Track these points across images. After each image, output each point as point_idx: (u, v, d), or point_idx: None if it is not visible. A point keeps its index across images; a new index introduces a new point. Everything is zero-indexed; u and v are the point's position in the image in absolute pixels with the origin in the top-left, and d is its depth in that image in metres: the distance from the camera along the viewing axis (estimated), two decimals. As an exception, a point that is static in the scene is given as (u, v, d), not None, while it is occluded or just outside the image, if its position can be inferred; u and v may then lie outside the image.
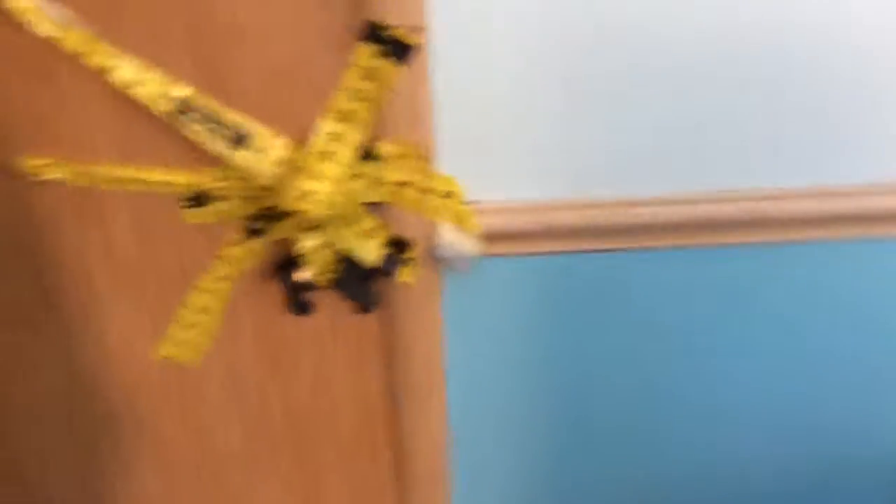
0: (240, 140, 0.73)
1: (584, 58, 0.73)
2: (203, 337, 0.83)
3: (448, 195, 0.78)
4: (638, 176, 0.79)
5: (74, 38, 0.69)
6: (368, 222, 0.78)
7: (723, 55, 0.73)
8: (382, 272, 0.79)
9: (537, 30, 0.72)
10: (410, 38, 0.71)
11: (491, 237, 0.79)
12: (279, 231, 0.77)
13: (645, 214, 0.79)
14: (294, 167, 0.73)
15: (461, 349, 0.87)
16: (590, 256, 0.81)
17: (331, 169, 0.73)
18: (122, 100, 0.72)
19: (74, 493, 0.94)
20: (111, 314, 0.83)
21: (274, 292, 0.83)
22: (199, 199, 0.77)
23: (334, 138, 0.74)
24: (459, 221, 0.79)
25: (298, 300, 0.82)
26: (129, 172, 0.76)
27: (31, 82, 0.73)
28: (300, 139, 0.74)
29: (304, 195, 0.72)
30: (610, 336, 0.85)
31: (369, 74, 0.73)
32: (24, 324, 0.83)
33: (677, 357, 0.87)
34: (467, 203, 0.79)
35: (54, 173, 0.75)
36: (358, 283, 0.80)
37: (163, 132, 0.74)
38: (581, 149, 0.77)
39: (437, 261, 0.80)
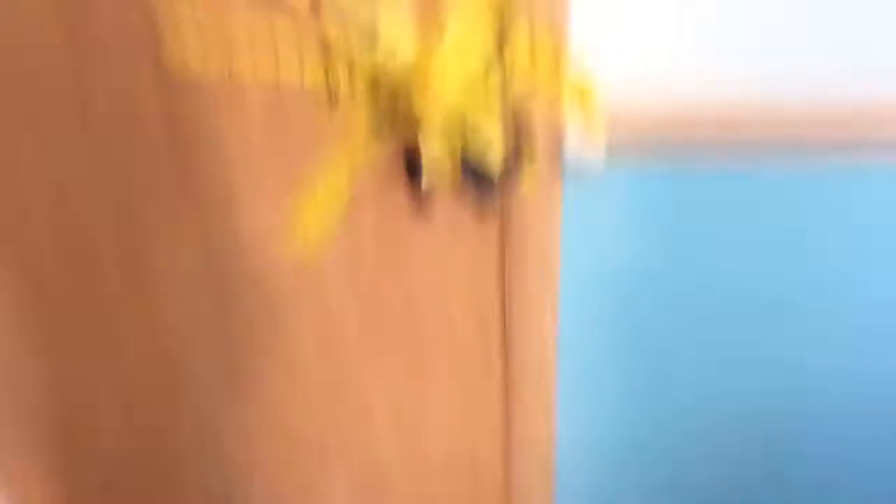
0: (373, 40, 0.74)
1: None
2: (326, 227, 0.86)
3: (582, 93, 0.76)
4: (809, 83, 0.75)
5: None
6: (493, 129, 0.78)
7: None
8: (503, 180, 0.79)
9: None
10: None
11: (617, 147, 0.78)
12: (404, 134, 0.78)
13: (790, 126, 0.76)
14: (423, 71, 0.73)
15: (578, 258, 0.87)
16: (722, 172, 0.79)
17: (458, 72, 0.72)
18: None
19: (210, 367, 1.01)
20: (246, 203, 0.87)
21: (398, 194, 0.84)
22: (330, 99, 0.79)
23: (466, 37, 0.73)
24: (588, 120, 0.77)
25: (420, 203, 0.83)
26: (268, 65, 0.78)
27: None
28: (436, 35, 0.74)
29: (431, 92, 0.71)
30: (733, 259, 0.83)
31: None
32: (168, 210, 0.88)
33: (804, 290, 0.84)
34: (598, 100, 0.76)
35: (202, 64, 0.78)
36: (477, 188, 0.81)
37: (303, 31, 0.75)
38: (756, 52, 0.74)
39: (561, 168, 0.79)
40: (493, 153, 0.78)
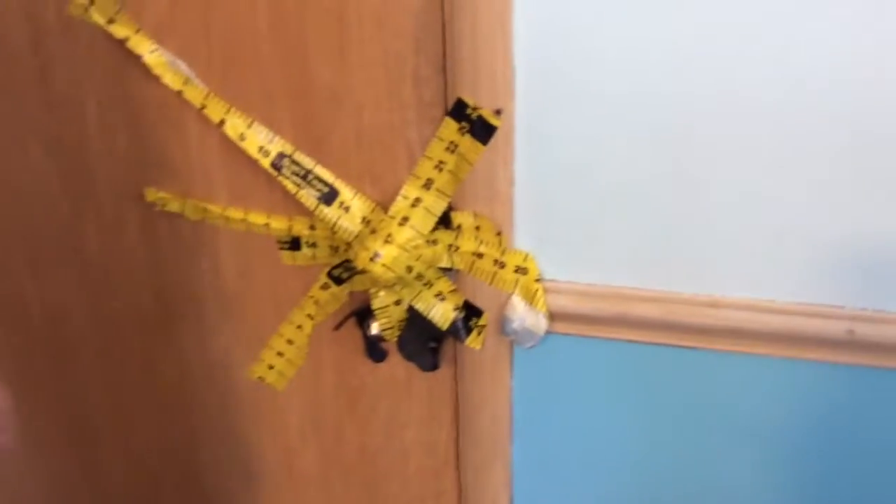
0: (329, 196, 0.79)
1: (683, 141, 0.71)
2: (288, 366, 0.90)
3: (521, 271, 0.79)
4: (724, 276, 0.75)
5: (193, 92, 0.77)
6: (443, 285, 0.81)
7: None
8: (452, 334, 0.82)
9: (628, 115, 0.71)
10: (494, 120, 0.73)
11: (562, 317, 0.79)
12: (359, 283, 0.82)
13: (726, 318, 0.75)
14: (371, 228, 0.77)
15: (527, 419, 0.87)
16: (663, 349, 0.78)
17: (404, 234, 0.76)
18: (234, 149, 0.79)
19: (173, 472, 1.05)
20: (216, 332, 0.92)
21: (355, 339, 0.87)
22: (293, 243, 0.84)
23: (414, 204, 0.77)
24: (531, 298, 0.79)
25: (373, 348, 0.86)
26: (236, 213, 0.83)
27: (163, 127, 0.82)
28: (384, 202, 0.78)
29: (375, 257, 0.75)
30: (673, 430, 0.82)
31: (453, 148, 0.75)
32: (150, 329, 0.94)
33: (749, 465, 0.81)
34: (540, 280, 0.79)
35: (173, 206, 0.85)
36: (419, 345, 0.83)
37: (266, 181, 0.80)
38: (666, 239, 0.75)
39: (507, 332, 0.81)
40: (442, 306, 0.81)
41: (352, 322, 0.87)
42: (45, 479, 1.07)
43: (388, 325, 0.83)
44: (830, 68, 0.65)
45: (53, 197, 0.89)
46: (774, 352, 0.76)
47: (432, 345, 0.84)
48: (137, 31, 0.78)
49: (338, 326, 0.87)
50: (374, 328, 0.84)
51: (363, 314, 0.85)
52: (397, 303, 0.82)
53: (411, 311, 0.81)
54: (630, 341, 0.79)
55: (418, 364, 0.85)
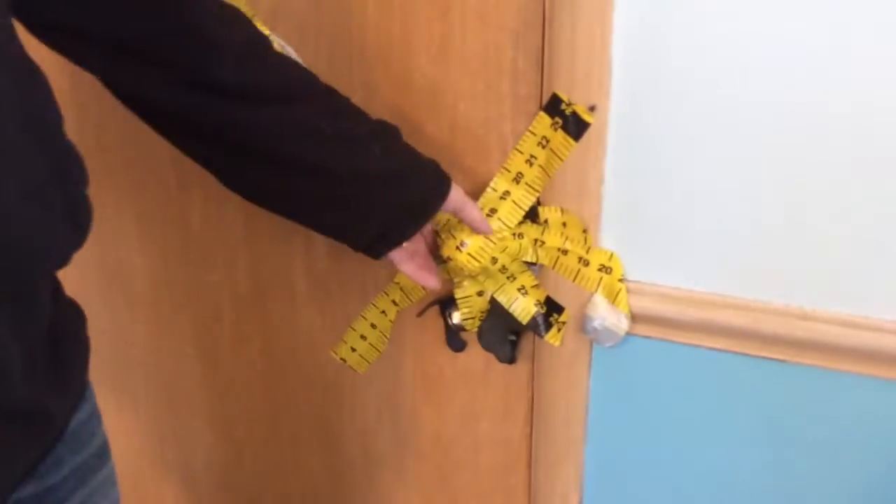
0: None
1: (783, 149, 0.69)
2: (370, 350, 0.92)
3: (605, 269, 0.79)
4: (817, 288, 0.73)
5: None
6: (526, 279, 0.81)
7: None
8: (531, 329, 0.82)
9: (725, 118, 0.70)
10: (588, 116, 0.73)
11: (643, 319, 0.79)
12: (444, 272, 0.84)
13: (817, 331, 0.73)
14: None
15: (602, 420, 0.86)
16: (746, 359, 0.77)
17: (491, 225, 0.77)
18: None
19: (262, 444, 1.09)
20: (304, 311, 0.95)
21: (437, 327, 0.89)
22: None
23: (503, 196, 0.78)
24: (613, 297, 0.79)
25: (453, 337, 0.88)
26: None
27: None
28: (473, 193, 0.80)
29: (461, 246, 0.77)
30: (751, 443, 0.80)
31: (545, 143, 0.76)
32: (242, 303, 0.98)
33: (827, 484, 0.79)
34: (623, 280, 0.79)
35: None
36: (499, 336, 0.84)
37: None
38: (756, 247, 0.74)
39: (588, 330, 0.81)
40: (524, 301, 0.82)
41: (434, 311, 0.88)
42: (135, 442, 1.13)
43: (470, 316, 0.84)
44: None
45: (163, 164, 0.93)
46: (864, 370, 0.73)
47: (512, 338, 0.85)
48: (253, 16, 0.82)
49: (421, 313, 0.89)
50: (456, 317, 0.85)
51: (446, 303, 0.86)
52: (480, 293, 0.83)
53: (493, 302, 0.83)
54: (713, 349, 0.78)
55: (497, 355, 0.86)
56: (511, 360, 0.86)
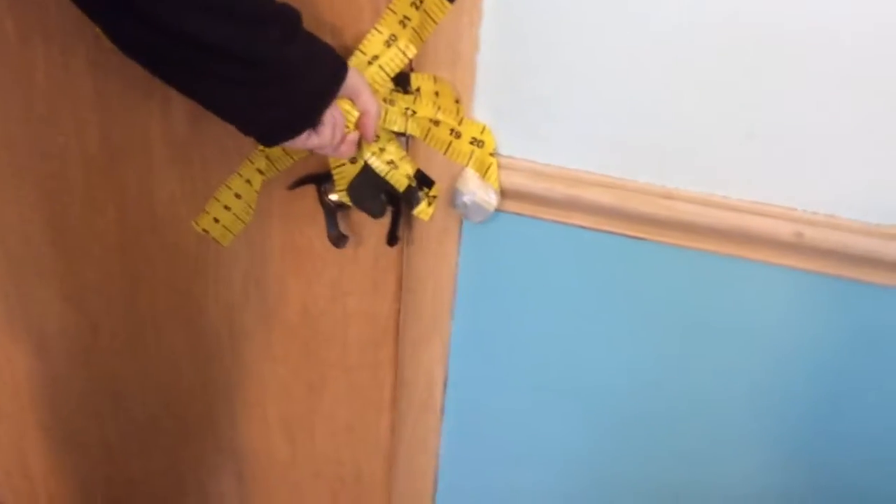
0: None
1: (656, 24, 0.68)
2: (235, 222, 0.87)
3: (477, 143, 0.77)
4: (682, 169, 0.74)
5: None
6: (395, 151, 0.78)
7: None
8: (406, 199, 0.80)
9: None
10: (463, -25, 0.69)
11: (513, 195, 0.78)
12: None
13: (678, 210, 0.74)
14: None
15: (470, 296, 0.86)
16: (612, 237, 0.77)
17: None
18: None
19: (118, 326, 1.04)
20: (163, 179, 0.90)
21: (305, 198, 0.85)
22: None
23: (371, 61, 0.74)
24: (484, 172, 0.77)
25: (332, 225, 0.84)
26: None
27: None
28: (344, 55, 0.75)
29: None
30: (612, 319, 0.82)
31: (418, 4, 0.71)
32: (95, 168, 0.91)
33: (678, 359, 0.82)
34: (495, 155, 0.77)
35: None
36: (370, 191, 0.80)
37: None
38: (628, 126, 0.73)
39: (457, 205, 0.79)
40: (394, 173, 0.79)
41: (299, 187, 0.84)
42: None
43: (343, 187, 0.81)
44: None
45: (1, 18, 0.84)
46: (723, 249, 0.75)
47: (382, 197, 0.81)
48: None
49: (292, 187, 0.84)
50: (333, 195, 0.81)
51: (320, 179, 0.83)
52: (353, 161, 0.79)
53: (366, 165, 0.79)
54: (580, 227, 0.78)
55: (368, 210, 0.81)
56: (381, 214, 0.82)
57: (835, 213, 0.71)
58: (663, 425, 0.86)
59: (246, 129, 0.70)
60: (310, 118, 0.68)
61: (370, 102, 0.72)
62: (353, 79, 0.70)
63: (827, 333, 0.76)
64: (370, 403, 1.00)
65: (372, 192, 0.80)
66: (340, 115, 0.71)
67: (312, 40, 0.69)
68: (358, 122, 0.72)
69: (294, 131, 0.69)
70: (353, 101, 0.71)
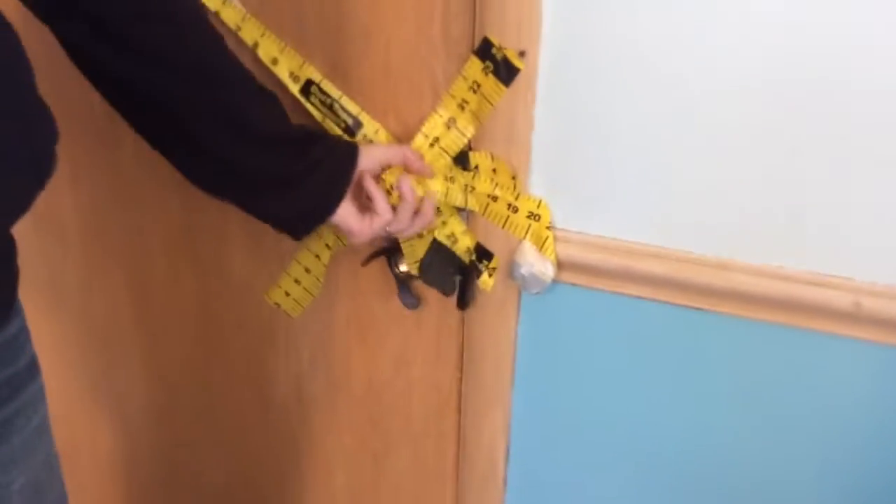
0: (353, 127, 0.80)
1: (708, 98, 0.70)
2: (305, 295, 0.92)
3: (534, 216, 0.80)
4: (737, 240, 0.75)
5: (229, 13, 0.79)
6: (456, 225, 0.82)
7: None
8: (471, 270, 0.83)
9: (655, 67, 0.70)
10: (518, 61, 0.73)
11: (569, 266, 0.80)
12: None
13: (740, 282, 0.75)
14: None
15: (530, 366, 0.88)
16: (667, 307, 0.78)
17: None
18: (266, 74, 0.81)
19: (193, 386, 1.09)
20: (239, 251, 0.95)
21: (371, 271, 0.89)
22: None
23: (433, 144, 0.78)
24: (541, 244, 0.80)
25: (405, 293, 0.88)
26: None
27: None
28: (406, 137, 0.80)
29: (392, 189, 0.77)
30: (672, 388, 0.82)
31: (476, 88, 0.76)
32: (174, 242, 0.98)
33: (743, 429, 0.81)
34: (551, 228, 0.80)
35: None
36: (442, 269, 0.83)
37: (292, 108, 0.82)
38: (681, 198, 0.75)
39: (515, 276, 0.81)
40: (455, 247, 0.82)
41: (365, 260, 0.89)
42: (66, 382, 1.13)
43: (413, 259, 0.84)
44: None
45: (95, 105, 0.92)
46: (777, 318, 0.75)
47: (454, 275, 0.85)
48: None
49: (366, 262, 0.88)
50: (403, 266, 0.85)
51: (391, 252, 0.87)
52: (420, 236, 0.83)
53: (435, 241, 0.83)
54: (636, 297, 0.79)
55: (440, 288, 0.85)
56: (453, 291, 0.85)
57: (894, 282, 0.71)
58: (724, 498, 0.85)
59: (277, 226, 0.77)
60: (336, 202, 0.74)
61: (408, 155, 0.78)
62: (370, 152, 0.76)
63: (887, 403, 0.74)
64: (434, 474, 1.01)
65: (443, 269, 0.84)
66: (409, 190, 0.75)
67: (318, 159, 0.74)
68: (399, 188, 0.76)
69: (324, 218, 0.75)
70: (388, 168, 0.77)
